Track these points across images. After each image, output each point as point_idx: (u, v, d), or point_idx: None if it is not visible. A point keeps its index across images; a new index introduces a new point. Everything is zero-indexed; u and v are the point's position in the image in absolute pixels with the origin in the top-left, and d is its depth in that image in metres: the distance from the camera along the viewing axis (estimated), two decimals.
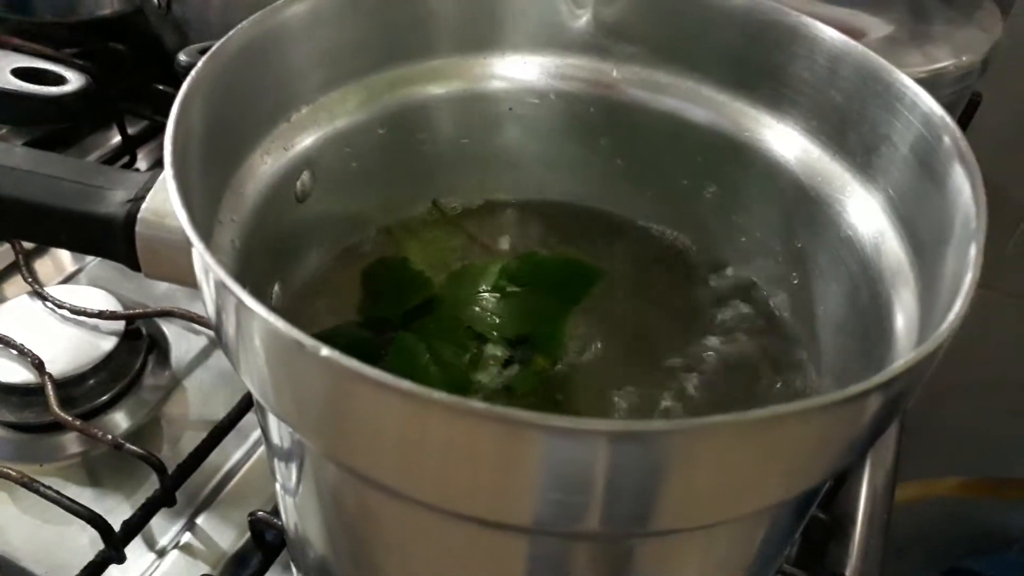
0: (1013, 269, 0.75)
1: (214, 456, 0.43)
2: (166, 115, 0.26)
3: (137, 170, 0.53)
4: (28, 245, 0.54)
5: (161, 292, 0.52)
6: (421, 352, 0.33)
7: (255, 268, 0.31)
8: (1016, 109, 0.70)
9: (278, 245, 0.33)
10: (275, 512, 0.40)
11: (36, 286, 0.50)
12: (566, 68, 0.38)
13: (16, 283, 0.53)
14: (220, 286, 0.22)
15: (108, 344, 0.47)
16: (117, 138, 0.63)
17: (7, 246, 0.54)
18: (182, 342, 0.50)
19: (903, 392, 0.22)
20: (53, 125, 0.63)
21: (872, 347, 0.29)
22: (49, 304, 0.48)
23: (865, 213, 0.31)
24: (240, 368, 0.24)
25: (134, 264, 0.30)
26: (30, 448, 0.44)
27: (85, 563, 0.39)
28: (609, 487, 0.20)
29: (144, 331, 0.49)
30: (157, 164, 0.63)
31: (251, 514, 0.40)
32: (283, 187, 0.33)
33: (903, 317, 0.28)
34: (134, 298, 0.51)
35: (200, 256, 0.22)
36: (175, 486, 0.42)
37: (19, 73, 0.53)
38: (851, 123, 0.32)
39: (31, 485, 0.40)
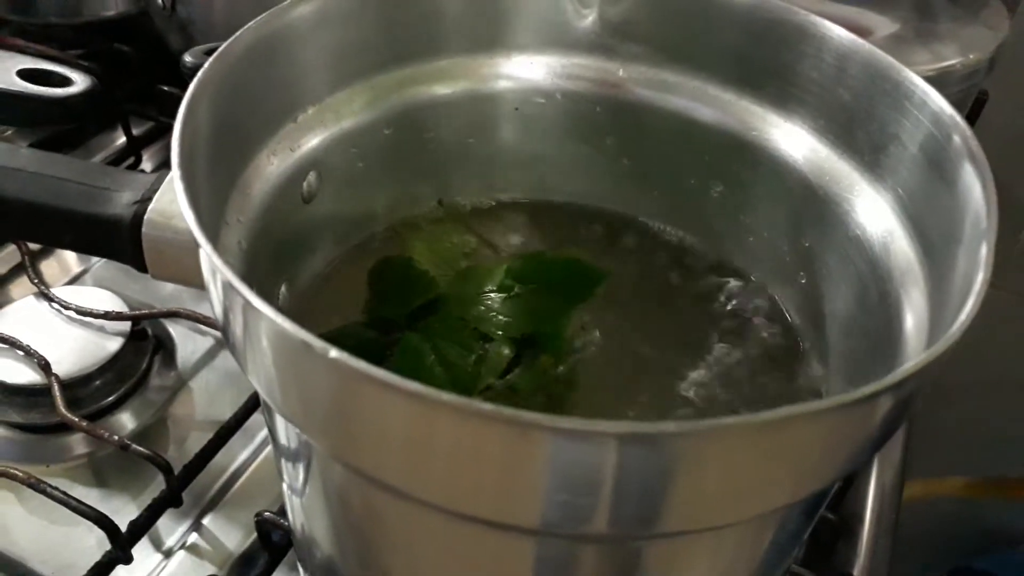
0: (1021, 268, 0.75)
1: (220, 456, 0.43)
2: (171, 116, 0.26)
3: (142, 171, 0.53)
4: (34, 246, 0.54)
5: (167, 293, 0.52)
6: (426, 352, 0.33)
7: (262, 269, 0.31)
8: (1023, 107, 0.70)
9: (284, 246, 0.33)
10: (282, 512, 0.40)
11: (42, 287, 0.50)
12: (572, 68, 0.38)
13: (22, 284, 0.53)
14: (228, 287, 0.22)
15: (114, 345, 0.47)
16: (122, 139, 0.63)
17: (13, 247, 0.54)
18: (188, 343, 0.50)
19: (914, 393, 0.22)
20: (58, 126, 0.63)
21: (881, 347, 0.29)
22: (55, 305, 0.49)
23: (874, 212, 0.31)
24: (247, 369, 0.24)
25: (140, 265, 0.30)
26: (37, 449, 0.44)
27: (92, 564, 0.39)
28: (617, 489, 0.20)
29: (150, 332, 0.49)
30: (162, 165, 0.63)
31: (258, 514, 0.40)
32: (290, 188, 0.33)
33: (912, 317, 0.28)
34: (140, 299, 0.51)
35: (208, 257, 0.22)
36: (181, 487, 0.42)
37: (24, 74, 0.53)
38: (859, 122, 0.32)
39: (38, 486, 0.40)
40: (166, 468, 0.41)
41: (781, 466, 0.21)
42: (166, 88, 0.63)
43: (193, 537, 0.42)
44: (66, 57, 0.60)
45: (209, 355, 0.50)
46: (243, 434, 0.45)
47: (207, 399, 0.48)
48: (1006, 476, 0.90)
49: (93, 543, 0.40)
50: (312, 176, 0.34)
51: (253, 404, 0.45)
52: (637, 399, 0.33)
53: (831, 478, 0.23)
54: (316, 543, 0.31)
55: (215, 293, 0.24)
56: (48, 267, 0.55)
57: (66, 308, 0.48)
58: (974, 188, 0.26)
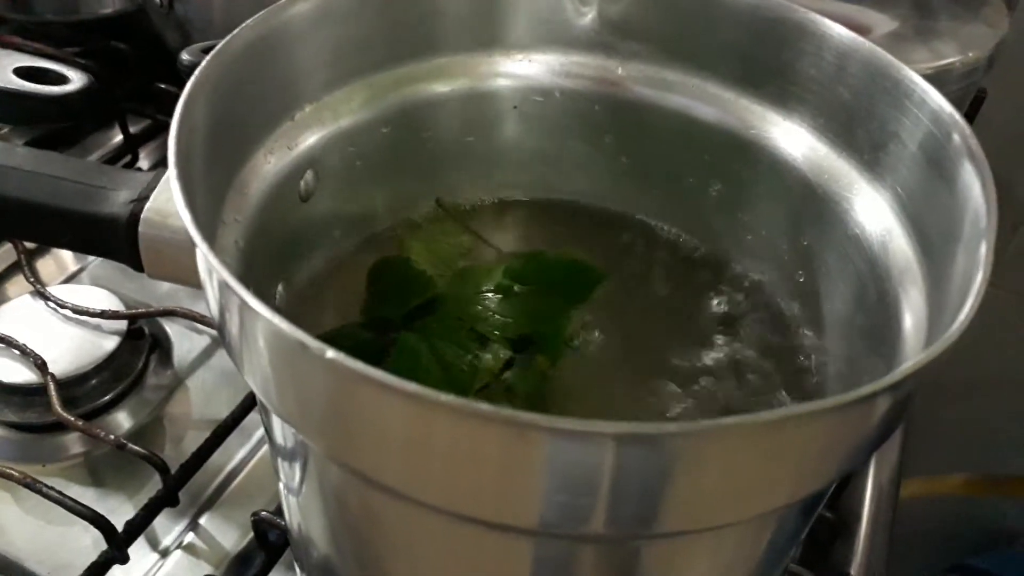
0: (1018, 267, 0.75)
1: (217, 456, 0.43)
2: (168, 114, 0.26)
3: (139, 169, 0.53)
4: (30, 245, 0.54)
5: (163, 291, 0.52)
6: (423, 352, 0.33)
7: (259, 268, 0.30)
8: (1022, 105, 0.70)
9: (282, 245, 0.33)
10: (278, 512, 0.40)
11: (38, 286, 0.50)
12: (571, 66, 0.37)
13: (18, 283, 0.53)
14: (224, 287, 0.21)
15: (110, 344, 0.46)
16: (119, 137, 0.63)
17: (9, 246, 0.54)
18: (184, 341, 0.50)
19: (912, 393, 0.22)
20: (55, 124, 0.63)
21: (880, 346, 0.29)
22: (51, 304, 0.48)
23: (873, 211, 0.31)
24: (244, 369, 0.23)
25: (137, 264, 0.30)
26: (32, 448, 0.44)
27: (88, 564, 0.39)
28: (615, 489, 0.20)
29: (146, 331, 0.49)
30: (159, 163, 0.63)
31: (254, 514, 0.40)
32: (287, 186, 0.33)
33: (911, 316, 0.28)
34: (136, 298, 0.51)
35: (204, 257, 0.22)
36: (178, 486, 0.42)
37: (21, 72, 0.53)
38: (859, 120, 0.31)
39: (34, 486, 0.40)
40: (162, 467, 0.41)
41: (780, 466, 0.21)
42: (164, 86, 0.63)
43: (189, 537, 0.42)
44: (63, 55, 0.60)
45: (206, 354, 0.50)
46: (240, 433, 0.45)
47: (204, 398, 0.47)
48: (1004, 474, 0.90)
49: (89, 543, 0.40)
50: (310, 175, 0.34)
51: (250, 403, 0.45)
52: (635, 398, 0.33)
53: (830, 478, 0.23)
54: (313, 543, 0.31)
55: (211, 293, 0.23)
56: (44, 265, 0.54)
57: (62, 307, 0.48)
58: (973, 187, 0.26)
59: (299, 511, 0.30)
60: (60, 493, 0.39)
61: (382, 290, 0.36)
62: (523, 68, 0.38)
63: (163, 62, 0.61)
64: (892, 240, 0.30)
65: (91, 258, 0.55)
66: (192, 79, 0.27)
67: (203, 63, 0.28)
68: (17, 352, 0.45)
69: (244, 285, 0.21)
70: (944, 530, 0.91)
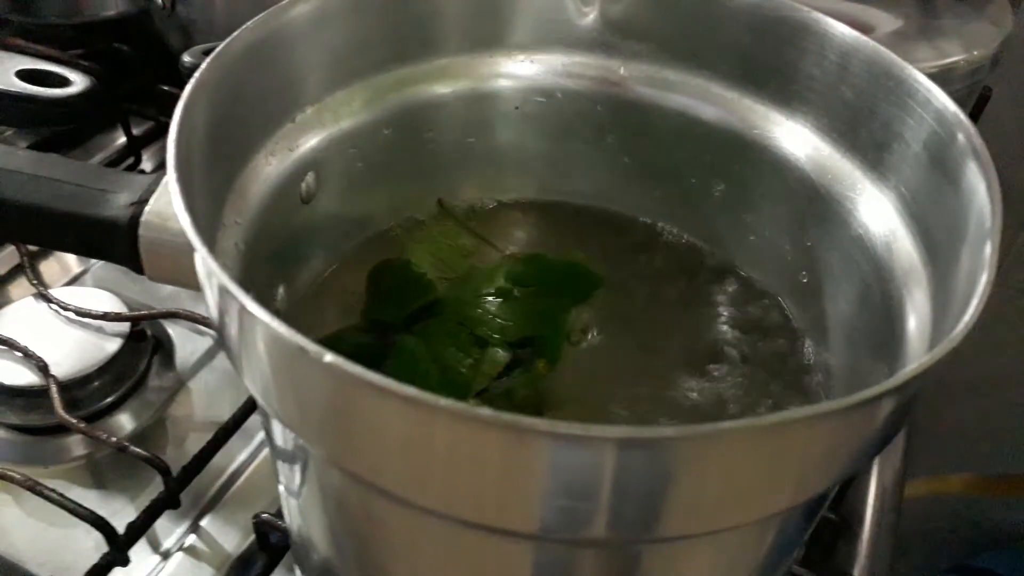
0: (1023, 266, 0.74)
1: (219, 458, 0.43)
2: (171, 116, 0.26)
3: (142, 171, 0.53)
4: (33, 247, 0.54)
5: (166, 294, 0.52)
6: (422, 356, 0.33)
7: (259, 271, 0.30)
8: None
9: (283, 247, 0.33)
10: (280, 514, 0.40)
11: (41, 288, 0.50)
12: (573, 66, 0.37)
13: (21, 285, 0.53)
14: (223, 291, 0.21)
15: (113, 346, 0.46)
16: (122, 139, 0.63)
17: (12, 248, 0.54)
18: (187, 343, 0.50)
19: (916, 395, 0.22)
20: (58, 127, 0.63)
21: (883, 347, 0.29)
22: (54, 306, 0.48)
23: (877, 211, 0.31)
24: (243, 372, 0.23)
25: (137, 267, 0.30)
26: (34, 450, 0.44)
27: (89, 566, 0.38)
28: (616, 494, 0.20)
29: (149, 333, 0.49)
30: (162, 165, 0.62)
31: (255, 516, 0.40)
32: (288, 189, 0.33)
33: (915, 317, 0.28)
34: (139, 300, 0.50)
35: (203, 261, 0.22)
36: (179, 488, 0.41)
37: (23, 75, 0.53)
38: (862, 120, 0.31)
39: (35, 488, 0.40)
40: (164, 469, 0.41)
41: (782, 470, 0.21)
42: (166, 88, 0.63)
43: (191, 539, 0.42)
44: (65, 57, 0.60)
45: (208, 356, 0.49)
46: (242, 435, 0.45)
47: (206, 400, 0.47)
48: (1008, 474, 0.90)
49: (91, 545, 0.40)
50: (310, 177, 0.34)
51: (252, 405, 0.45)
52: (637, 401, 0.33)
53: (832, 481, 0.23)
54: (313, 546, 0.31)
55: (211, 296, 0.23)
56: (47, 268, 0.54)
57: (65, 309, 0.48)
58: (978, 187, 0.25)
59: (299, 514, 0.30)
60: (61, 495, 0.39)
61: (382, 293, 0.36)
62: (524, 69, 0.37)
63: (166, 64, 0.61)
64: (896, 241, 0.30)
65: (94, 260, 0.55)
66: (192, 81, 0.27)
67: (203, 65, 0.27)
68: (19, 354, 0.45)
69: (244, 288, 0.21)
70: (947, 530, 0.91)
